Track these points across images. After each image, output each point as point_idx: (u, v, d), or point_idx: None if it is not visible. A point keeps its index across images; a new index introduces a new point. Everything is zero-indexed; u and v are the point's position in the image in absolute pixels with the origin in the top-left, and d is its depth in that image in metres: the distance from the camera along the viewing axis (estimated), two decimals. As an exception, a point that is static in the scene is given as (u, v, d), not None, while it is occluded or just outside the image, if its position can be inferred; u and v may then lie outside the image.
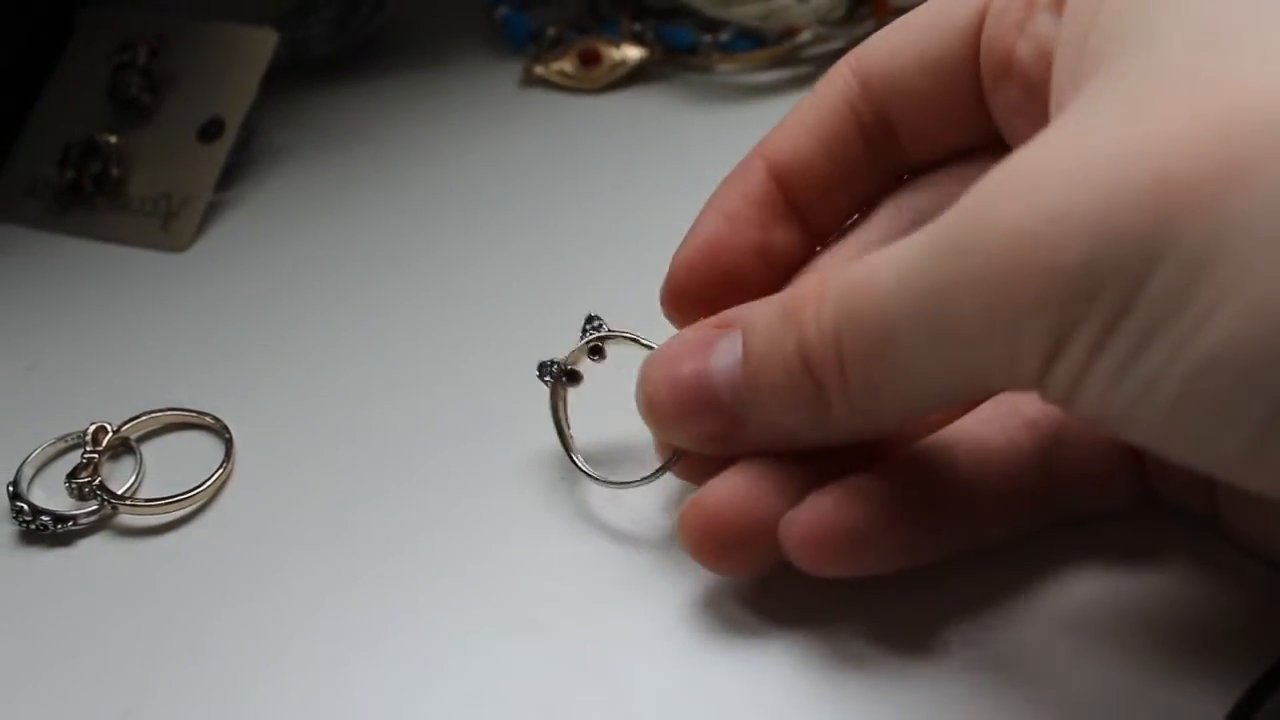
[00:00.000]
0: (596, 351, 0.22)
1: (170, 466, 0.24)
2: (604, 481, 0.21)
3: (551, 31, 0.40)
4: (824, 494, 0.18)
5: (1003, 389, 0.17)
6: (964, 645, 0.19)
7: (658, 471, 0.21)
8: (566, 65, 0.38)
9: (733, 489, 0.19)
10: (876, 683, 0.19)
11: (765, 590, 0.20)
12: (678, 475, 0.21)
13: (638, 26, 0.39)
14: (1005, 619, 0.19)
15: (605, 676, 0.19)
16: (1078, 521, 0.20)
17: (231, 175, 0.34)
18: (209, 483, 0.23)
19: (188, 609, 0.21)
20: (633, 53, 0.38)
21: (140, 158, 0.33)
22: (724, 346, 0.18)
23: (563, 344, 0.26)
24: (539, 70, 0.38)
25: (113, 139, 0.33)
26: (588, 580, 0.21)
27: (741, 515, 0.18)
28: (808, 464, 0.19)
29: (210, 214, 0.33)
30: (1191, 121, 0.14)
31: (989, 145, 0.20)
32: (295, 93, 0.38)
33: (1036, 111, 0.18)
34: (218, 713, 0.19)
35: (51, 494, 0.23)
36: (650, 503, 0.22)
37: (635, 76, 0.38)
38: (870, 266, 0.17)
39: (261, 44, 0.34)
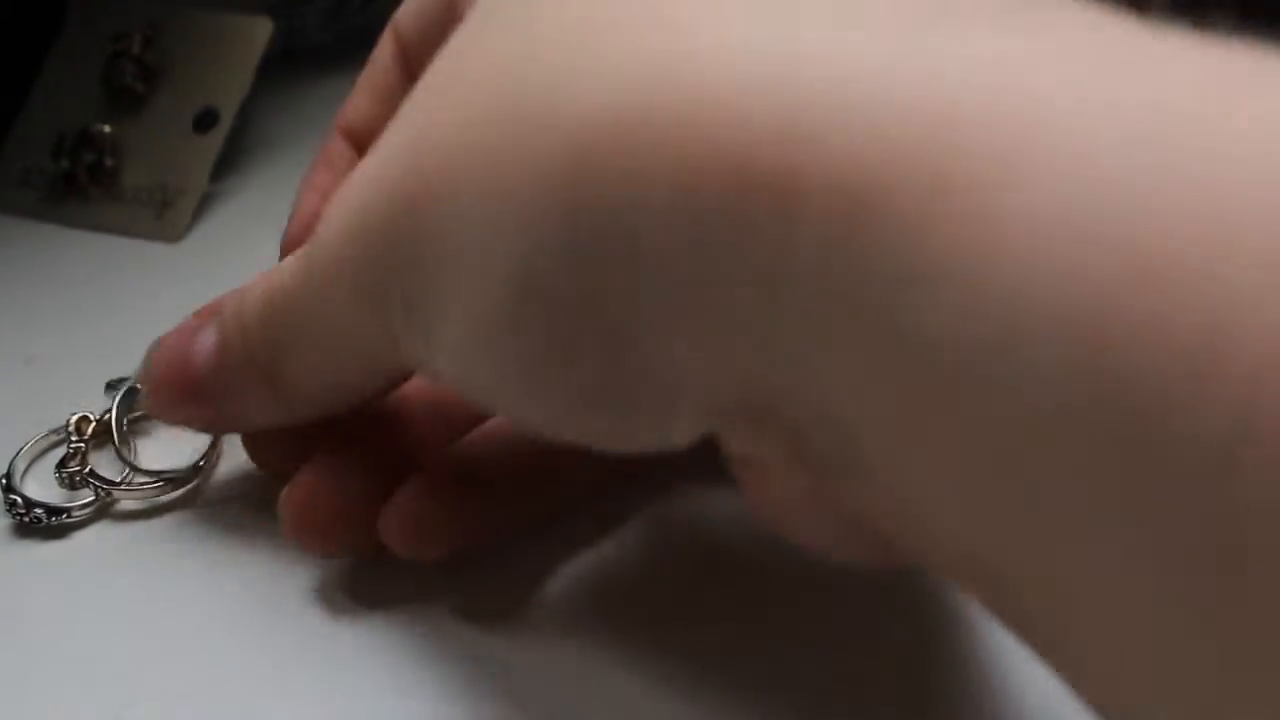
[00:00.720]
0: None
1: (159, 451, 0.24)
2: (153, 475, 0.23)
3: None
4: (409, 487, 0.19)
5: (394, 365, 0.18)
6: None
7: (201, 460, 0.23)
8: (563, 52, 0.38)
9: (315, 480, 0.20)
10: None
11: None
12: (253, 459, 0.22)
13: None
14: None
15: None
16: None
17: (226, 165, 0.34)
18: (202, 460, 0.23)
19: (183, 599, 0.21)
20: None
21: (134, 148, 0.33)
22: (204, 335, 0.20)
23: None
24: (536, 57, 0.38)
25: (107, 129, 0.33)
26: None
27: (326, 504, 0.20)
28: (381, 451, 0.20)
29: (205, 204, 0.32)
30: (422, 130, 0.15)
31: None
32: (290, 82, 0.38)
33: None
34: (217, 706, 0.19)
35: (47, 486, 0.23)
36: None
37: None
38: (278, 270, 0.19)
39: (256, 33, 0.33)
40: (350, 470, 0.20)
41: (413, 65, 0.22)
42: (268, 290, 0.19)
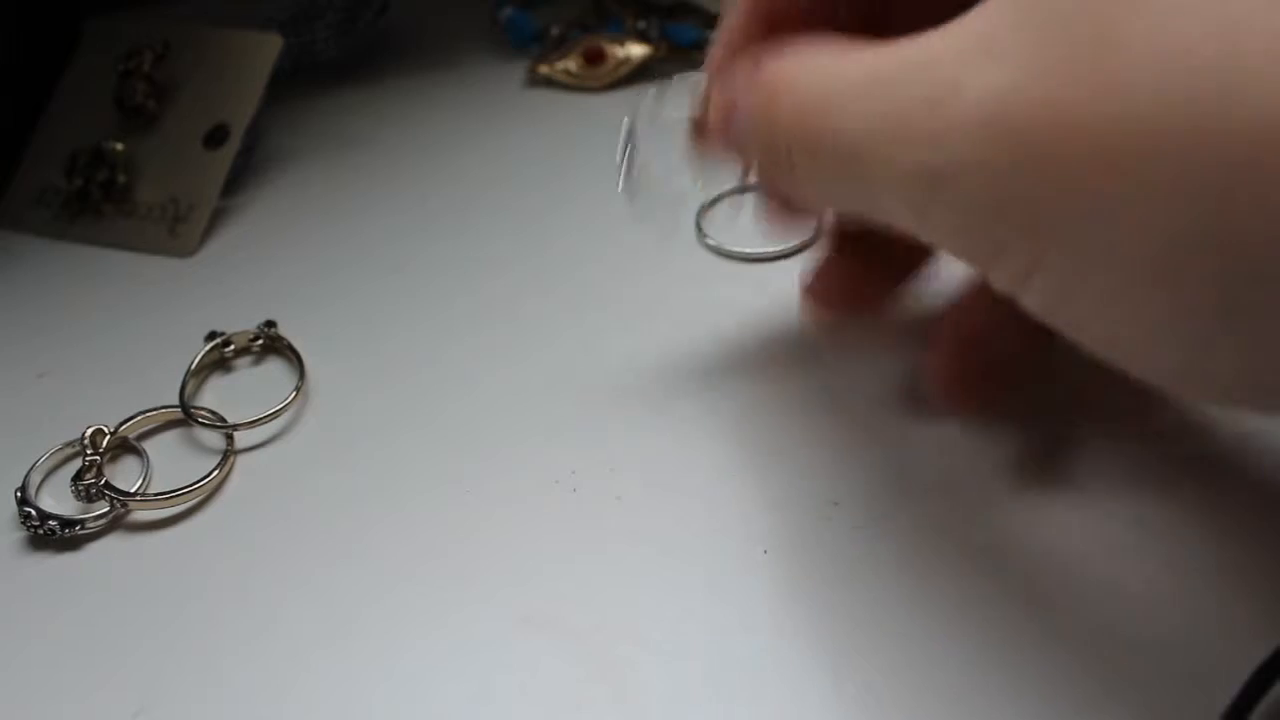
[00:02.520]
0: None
1: (173, 462, 0.24)
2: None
3: (555, 31, 0.40)
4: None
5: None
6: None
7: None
8: (571, 64, 0.38)
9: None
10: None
11: (776, 585, 0.20)
12: None
13: (642, 24, 0.39)
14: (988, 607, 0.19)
15: (611, 672, 0.19)
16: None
17: (237, 180, 0.34)
18: (213, 475, 0.23)
19: (193, 609, 0.21)
20: (637, 50, 0.38)
21: (147, 164, 0.33)
22: (748, 96, 0.20)
23: (568, 340, 0.27)
24: (544, 69, 0.38)
25: (119, 146, 0.33)
26: (597, 576, 0.21)
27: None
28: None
29: (216, 219, 0.33)
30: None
31: None
32: (300, 97, 0.38)
33: None
34: (226, 711, 0.19)
35: (62, 499, 0.23)
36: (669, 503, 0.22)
37: (640, 74, 0.38)
38: (825, 84, 0.17)
39: (266, 49, 0.34)
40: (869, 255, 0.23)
41: None
42: (813, 102, 0.18)
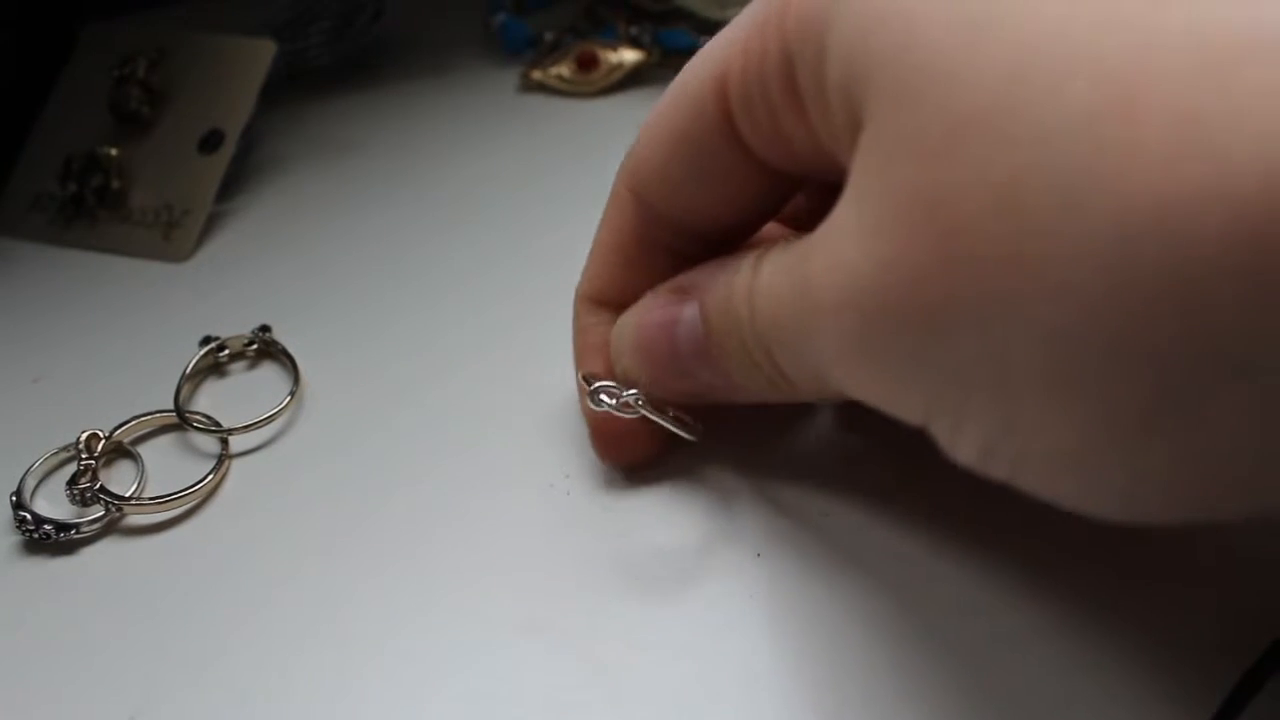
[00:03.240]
0: None
1: (168, 467, 0.24)
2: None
3: (549, 36, 0.40)
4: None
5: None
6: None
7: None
8: (564, 70, 0.39)
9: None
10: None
11: (769, 587, 0.20)
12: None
13: (635, 30, 0.40)
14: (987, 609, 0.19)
15: (606, 675, 0.19)
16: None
17: (231, 186, 0.34)
18: (208, 479, 0.23)
19: (186, 614, 0.21)
20: (630, 56, 0.38)
21: (141, 170, 0.33)
22: (687, 313, 0.20)
23: (564, 346, 0.27)
24: (537, 75, 0.39)
25: (113, 151, 0.33)
26: (592, 579, 0.21)
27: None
28: None
29: (211, 224, 0.33)
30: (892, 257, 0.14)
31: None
32: (294, 103, 0.38)
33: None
34: (221, 715, 0.19)
35: (57, 504, 0.23)
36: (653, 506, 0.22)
37: (633, 79, 0.38)
38: (771, 275, 0.18)
39: (260, 55, 0.34)
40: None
41: (657, 218, 0.21)
42: (763, 298, 0.18)
